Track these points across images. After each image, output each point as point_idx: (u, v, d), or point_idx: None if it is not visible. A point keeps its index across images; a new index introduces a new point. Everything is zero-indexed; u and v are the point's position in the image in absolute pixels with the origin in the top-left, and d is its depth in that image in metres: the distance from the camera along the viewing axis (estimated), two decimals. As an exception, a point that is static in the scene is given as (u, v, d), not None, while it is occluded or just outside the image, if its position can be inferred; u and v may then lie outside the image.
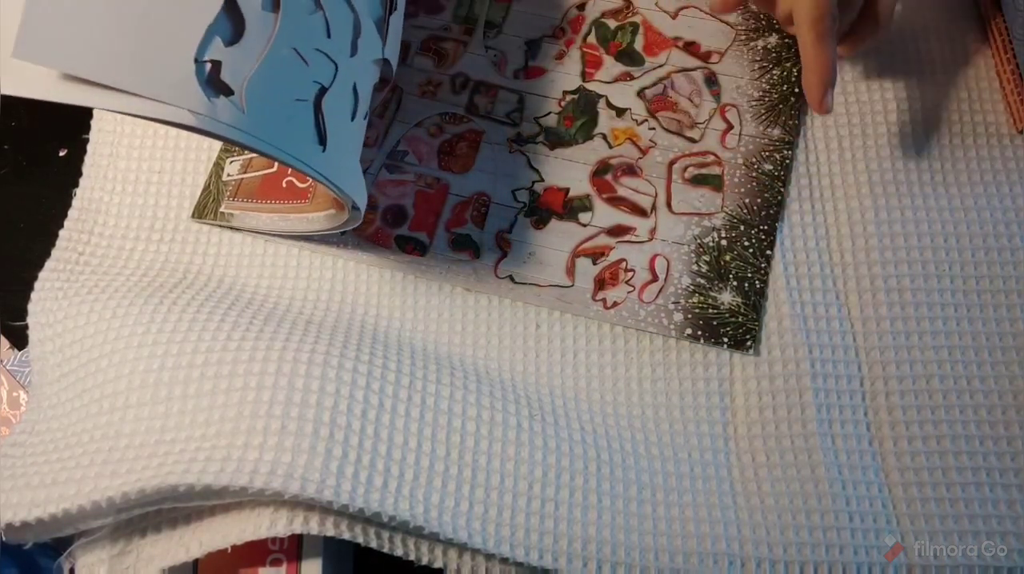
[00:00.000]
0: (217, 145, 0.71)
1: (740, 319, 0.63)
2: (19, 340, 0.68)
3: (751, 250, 0.65)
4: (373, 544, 0.51)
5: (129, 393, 0.55)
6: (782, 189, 0.67)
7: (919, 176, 0.67)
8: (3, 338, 0.68)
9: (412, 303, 0.65)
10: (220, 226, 0.68)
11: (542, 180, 0.69)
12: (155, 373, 0.55)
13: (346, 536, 0.51)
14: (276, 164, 0.68)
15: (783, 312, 0.63)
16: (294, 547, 0.54)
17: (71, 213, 0.68)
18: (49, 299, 0.62)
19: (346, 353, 0.57)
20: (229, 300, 0.62)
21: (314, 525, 0.50)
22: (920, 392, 0.60)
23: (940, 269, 0.63)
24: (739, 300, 0.63)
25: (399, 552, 0.52)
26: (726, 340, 0.62)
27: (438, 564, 0.52)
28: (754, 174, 0.67)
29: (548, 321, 0.64)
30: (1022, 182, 0.66)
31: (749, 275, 0.64)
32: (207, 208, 0.68)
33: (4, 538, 0.51)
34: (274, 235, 0.67)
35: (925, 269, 0.63)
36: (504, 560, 0.52)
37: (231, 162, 0.69)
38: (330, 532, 0.50)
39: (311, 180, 0.65)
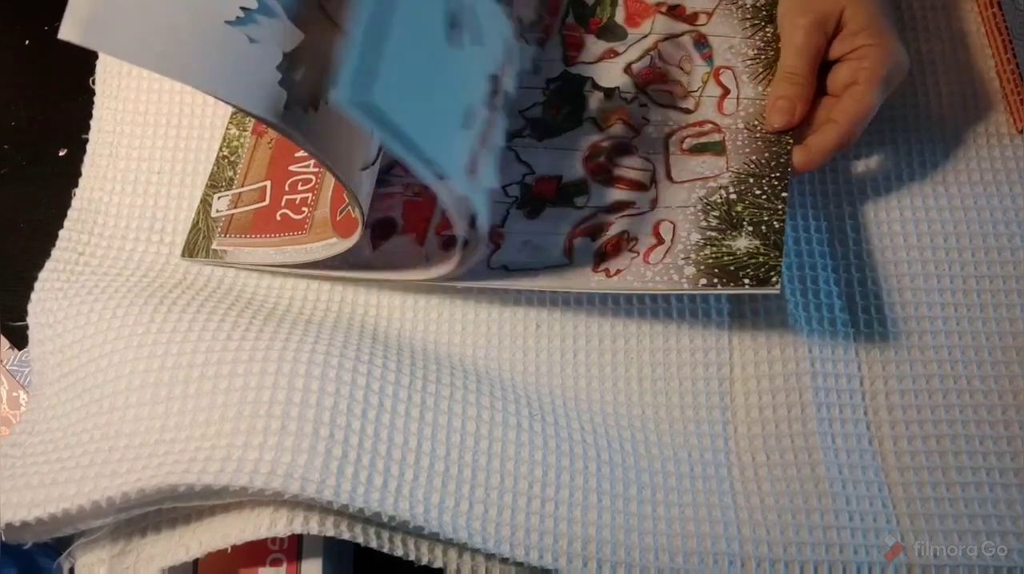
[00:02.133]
0: (212, 156, 0.71)
1: (761, 259, 0.58)
2: (19, 340, 0.68)
3: (764, 196, 0.61)
4: (373, 544, 0.51)
5: (129, 393, 0.55)
6: (790, 141, 0.62)
7: (919, 176, 0.67)
8: (3, 338, 0.69)
9: (412, 303, 0.65)
10: (213, 264, 0.67)
11: (533, 172, 0.66)
12: (155, 373, 0.55)
13: (346, 536, 0.51)
14: (267, 198, 0.67)
15: (783, 312, 0.62)
16: (294, 547, 0.54)
17: (70, 213, 0.68)
18: (49, 299, 0.63)
19: (346, 353, 0.57)
20: (229, 300, 0.62)
21: (314, 525, 0.50)
22: (920, 392, 0.60)
23: (940, 269, 0.63)
24: (757, 242, 0.58)
25: (399, 552, 0.52)
26: (747, 281, 0.57)
27: (438, 564, 0.52)
28: (757, 135, 0.64)
29: (548, 321, 0.64)
30: (1022, 182, 0.66)
31: (766, 218, 0.59)
32: (198, 246, 0.67)
33: (4, 538, 0.51)
34: (270, 268, 0.66)
35: (925, 269, 0.63)
36: (504, 560, 0.52)
37: (219, 198, 0.69)
38: (330, 532, 0.51)
39: (306, 211, 0.66)
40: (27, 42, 0.80)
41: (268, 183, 0.68)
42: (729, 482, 0.58)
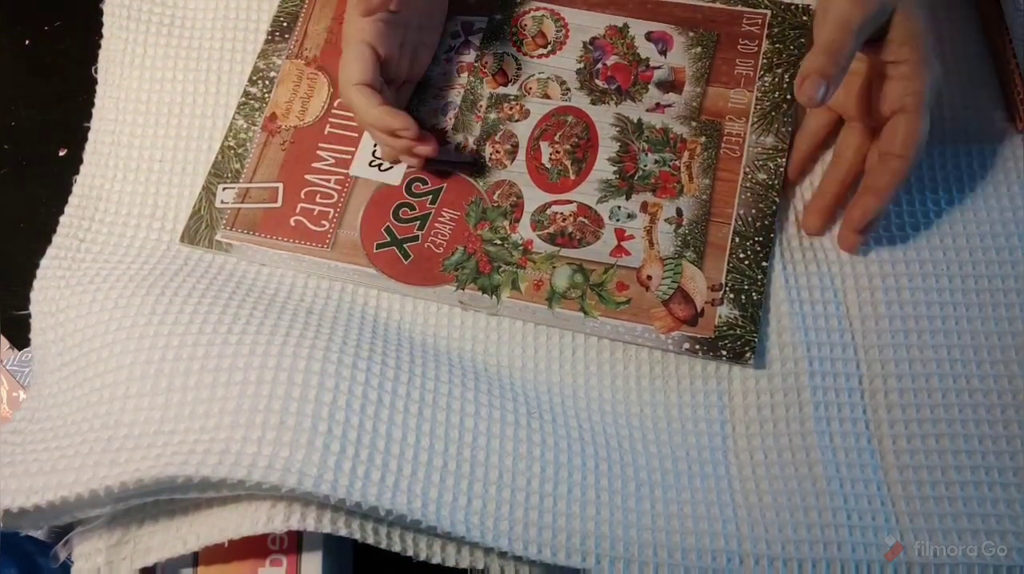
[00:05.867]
0: (214, 146, 0.71)
1: (738, 332, 0.62)
2: (19, 340, 0.68)
3: (747, 262, 0.64)
4: (370, 540, 0.51)
5: (129, 383, 0.55)
6: (776, 198, 0.66)
7: (919, 176, 0.67)
8: (3, 338, 0.69)
9: (412, 296, 0.65)
10: (216, 254, 0.67)
11: None
12: (156, 364, 0.55)
13: (343, 532, 0.51)
14: (280, 200, 0.69)
15: (782, 311, 0.62)
16: (294, 543, 0.54)
17: (72, 199, 0.69)
18: (51, 288, 0.63)
19: (346, 348, 0.57)
20: (230, 289, 0.62)
21: (311, 521, 0.50)
22: (920, 391, 0.60)
23: (939, 269, 0.63)
24: (736, 313, 0.63)
25: (396, 548, 0.52)
26: (724, 353, 0.61)
27: (436, 559, 0.52)
28: (748, 184, 0.66)
29: (548, 318, 0.64)
30: (1022, 182, 0.66)
31: (746, 287, 0.63)
32: (200, 234, 0.68)
33: (3, 525, 0.51)
34: (280, 268, 0.67)
35: (924, 269, 0.63)
36: (503, 554, 0.52)
37: (224, 189, 0.69)
38: (327, 528, 0.51)
39: (327, 226, 0.68)
40: (27, 42, 0.80)
41: (281, 185, 0.69)
42: (728, 480, 0.58)
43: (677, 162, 0.68)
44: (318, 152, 0.71)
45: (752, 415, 0.60)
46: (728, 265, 0.64)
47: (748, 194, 0.66)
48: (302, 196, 0.69)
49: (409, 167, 0.69)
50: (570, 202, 0.67)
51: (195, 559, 0.54)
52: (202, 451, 0.50)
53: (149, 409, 0.54)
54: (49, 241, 0.67)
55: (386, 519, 0.51)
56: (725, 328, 0.62)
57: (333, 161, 0.70)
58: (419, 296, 0.65)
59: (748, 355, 0.61)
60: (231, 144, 0.71)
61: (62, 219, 0.68)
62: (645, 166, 0.68)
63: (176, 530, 0.52)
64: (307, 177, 0.69)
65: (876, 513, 0.56)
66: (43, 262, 0.65)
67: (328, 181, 0.69)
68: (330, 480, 0.50)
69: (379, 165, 0.70)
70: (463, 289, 0.65)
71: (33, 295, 0.63)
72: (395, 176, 0.69)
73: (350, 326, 0.60)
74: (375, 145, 0.70)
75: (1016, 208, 0.65)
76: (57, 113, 0.77)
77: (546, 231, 0.66)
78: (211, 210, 0.69)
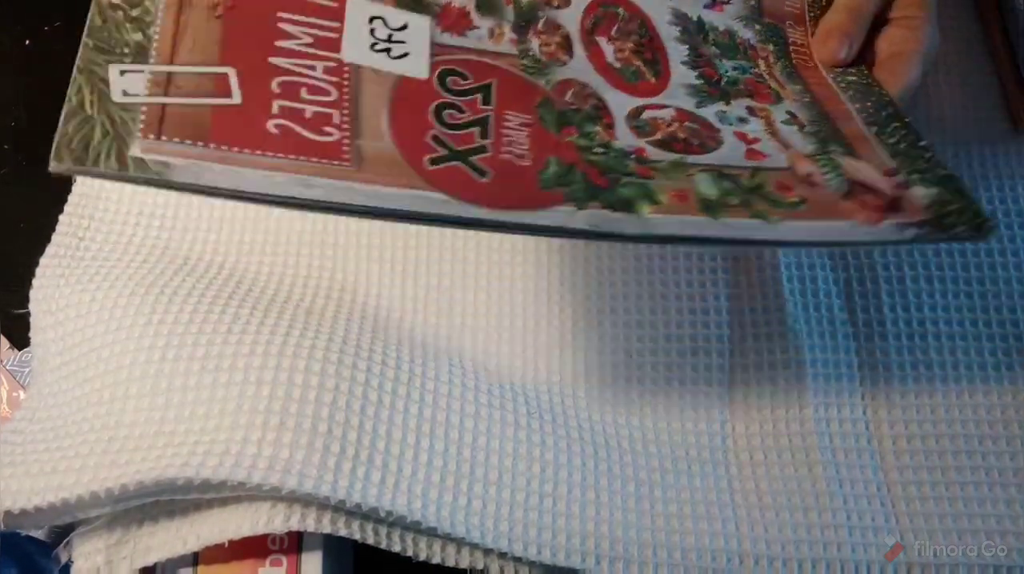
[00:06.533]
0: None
1: (955, 207, 0.47)
2: (19, 340, 0.68)
3: (903, 146, 0.51)
4: (371, 540, 0.51)
5: (129, 383, 0.55)
6: (879, 87, 0.56)
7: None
8: (3, 338, 0.69)
9: (412, 294, 0.65)
10: (142, 182, 0.41)
11: None
12: (156, 364, 0.55)
13: (343, 532, 0.51)
14: (236, 94, 0.45)
15: (782, 311, 0.62)
16: (295, 543, 0.54)
17: (71, 198, 0.68)
18: (50, 286, 0.62)
19: (346, 348, 0.57)
20: (229, 289, 0.62)
21: (311, 521, 0.50)
22: (920, 392, 0.60)
23: (940, 270, 0.63)
24: (935, 190, 0.48)
25: (397, 548, 0.52)
26: (960, 231, 0.47)
27: (436, 559, 0.52)
28: (843, 85, 0.56)
29: (547, 317, 0.64)
30: (1022, 182, 0.66)
31: (922, 167, 0.50)
32: (95, 148, 0.40)
33: (3, 526, 0.51)
34: (266, 203, 0.43)
35: (926, 270, 0.63)
36: (503, 555, 0.52)
37: (124, 72, 0.43)
38: (327, 529, 0.51)
39: (336, 134, 0.46)
40: (27, 42, 0.80)
41: (232, 71, 0.46)
42: (727, 480, 0.58)
43: (757, 69, 0.57)
44: (280, 25, 0.48)
45: (752, 415, 0.60)
46: (888, 150, 0.51)
47: (852, 91, 0.55)
48: (275, 89, 0.46)
49: (435, 55, 0.51)
50: (665, 106, 0.54)
51: (195, 559, 0.54)
52: (202, 453, 0.50)
53: (149, 409, 0.54)
54: (49, 241, 0.66)
55: (386, 520, 0.51)
56: (938, 207, 0.47)
57: (310, 40, 0.48)
58: (525, 221, 0.45)
59: (989, 223, 0.46)
60: (116, 1, 0.46)
61: (61, 218, 0.67)
62: (726, 72, 0.57)
63: (176, 530, 0.52)
64: (273, 61, 0.47)
65: (876, 513, 0.56)
66: (42, 260, 0.64)
67: (312, 68, 0.47)
68: (330, 481, 0.50)
69: (387, 50, 0.50)
70: (583, 209, 0.45)
71: (32, 294, 0.63)
72: (417, 66, 0.50)
73: (350, 325, 0.60)
74: (372, 20, 0.51)
75: (1016, 208, 0.65)
76: (57, 113, 0.76)
77: (654, 138, 0.51)
78: (107, 106, 0.41)
